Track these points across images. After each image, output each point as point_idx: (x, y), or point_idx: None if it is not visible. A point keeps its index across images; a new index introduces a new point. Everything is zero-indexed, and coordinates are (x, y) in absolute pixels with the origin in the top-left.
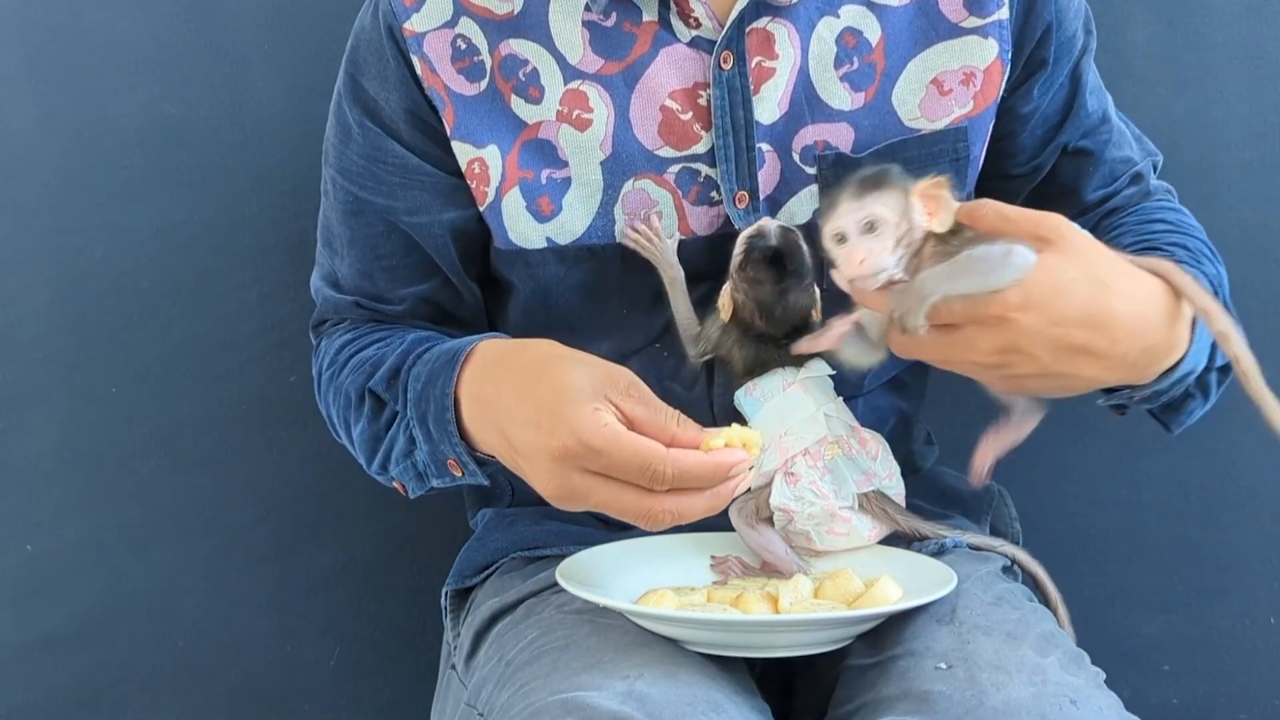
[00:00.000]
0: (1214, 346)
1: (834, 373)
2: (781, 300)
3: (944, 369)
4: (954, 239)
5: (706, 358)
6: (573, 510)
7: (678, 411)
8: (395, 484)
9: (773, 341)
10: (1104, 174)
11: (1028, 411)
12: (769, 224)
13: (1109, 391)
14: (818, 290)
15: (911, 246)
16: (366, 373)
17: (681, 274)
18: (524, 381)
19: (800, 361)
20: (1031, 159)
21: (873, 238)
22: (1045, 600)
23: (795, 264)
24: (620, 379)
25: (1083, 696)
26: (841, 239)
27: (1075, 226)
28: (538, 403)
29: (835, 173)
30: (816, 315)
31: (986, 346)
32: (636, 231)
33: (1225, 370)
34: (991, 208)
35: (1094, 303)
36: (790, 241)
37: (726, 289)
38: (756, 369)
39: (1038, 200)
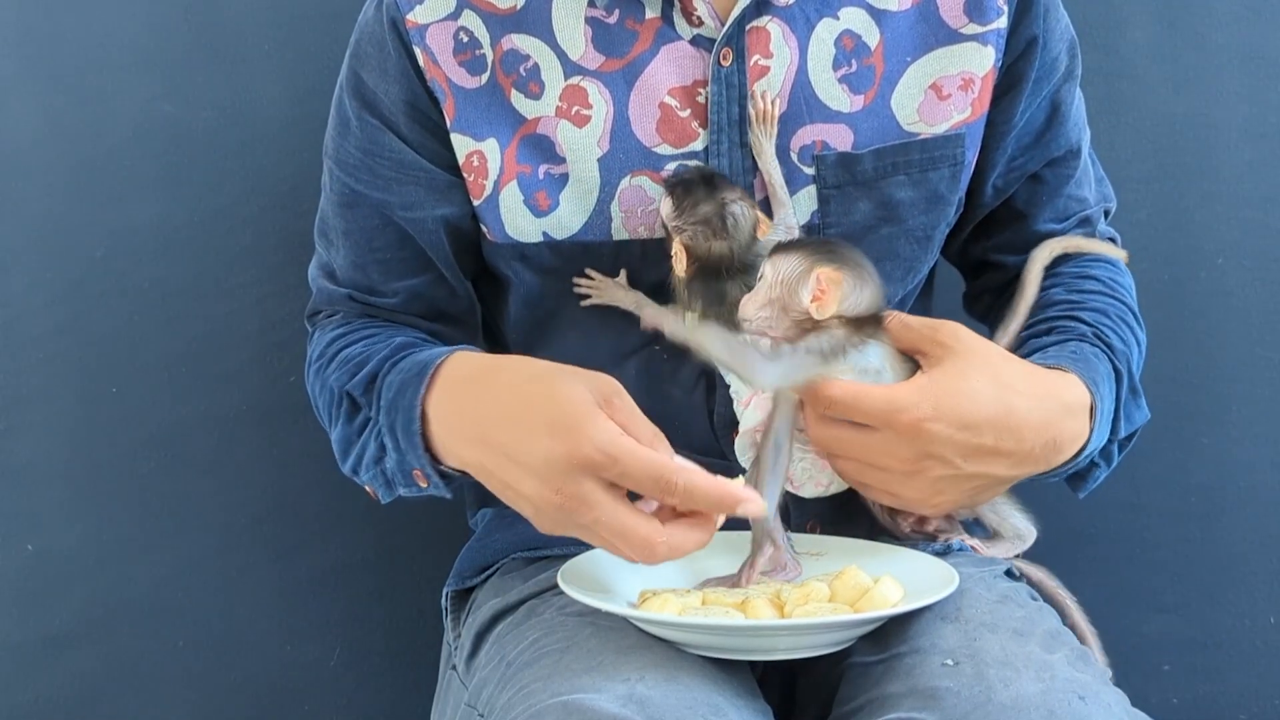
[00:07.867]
0: (1114, 420)
1: None
2: (723, 211)
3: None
4: (824, 329)
5: (693, 312)
6: (556, 533)
7: (655, 428)
8: (367, 489)
9: (726, 271)
10: (1058, 208)
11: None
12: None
13: None
14: (758, 210)
15: (788, 316)
16: (349, 372)
17: (642, 297)
18: (521, 392)
19: None
20: (995, 179)
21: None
22: (1074, 629)
23: (718, 178)
24: (605, 388)
25: (1091, 692)
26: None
27: (971, 332)
28: (546, 411)
29: (835, 173)
30: (764, 230)
31: (904, 454)
32: (583, 286)
33: (1128, 440)
34: (895, 316)
35: (1000, 405)
36: (703, 166)
37: (675, 246)
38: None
39: (987, 221)
